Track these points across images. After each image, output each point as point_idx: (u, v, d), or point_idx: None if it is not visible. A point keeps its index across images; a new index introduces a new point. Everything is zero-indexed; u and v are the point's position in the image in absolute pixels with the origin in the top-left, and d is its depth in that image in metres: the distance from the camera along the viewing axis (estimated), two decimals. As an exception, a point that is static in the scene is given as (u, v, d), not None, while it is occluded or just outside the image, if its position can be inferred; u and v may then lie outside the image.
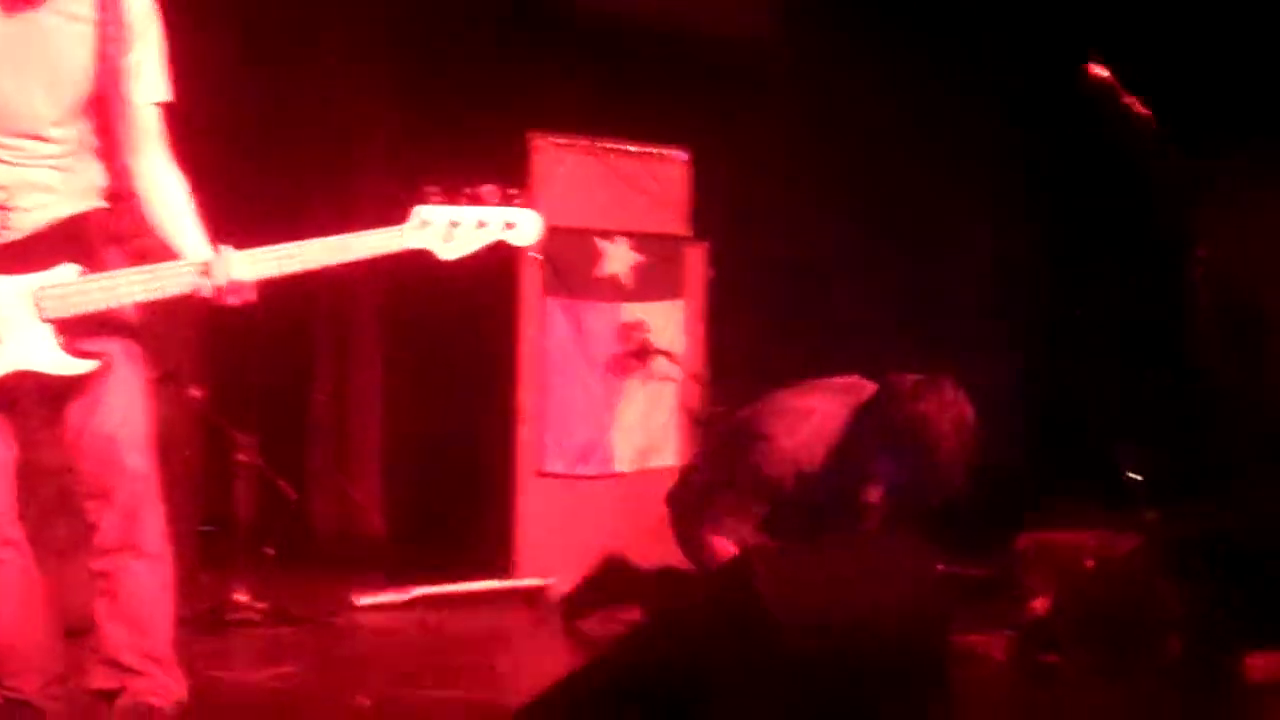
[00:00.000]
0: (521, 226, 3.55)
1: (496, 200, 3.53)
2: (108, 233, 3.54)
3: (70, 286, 3.40)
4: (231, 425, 5.85)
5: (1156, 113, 4.87)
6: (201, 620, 5.31)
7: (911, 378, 4.81)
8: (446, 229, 3.48)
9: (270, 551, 6.33)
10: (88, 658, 3.60)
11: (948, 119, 7.06)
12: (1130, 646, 4.88)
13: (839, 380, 5.08)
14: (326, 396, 7.18)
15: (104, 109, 3.56)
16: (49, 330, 3.40)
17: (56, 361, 3.42)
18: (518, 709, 2.80)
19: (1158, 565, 5.12)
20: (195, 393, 5.27)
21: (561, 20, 7.10)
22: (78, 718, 3.65)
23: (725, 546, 4.74)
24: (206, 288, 3.44)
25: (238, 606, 5.52)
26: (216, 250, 3.46)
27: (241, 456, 5.74)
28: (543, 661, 5.03)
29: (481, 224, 3.51)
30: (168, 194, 3.59)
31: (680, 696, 2.41)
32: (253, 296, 3.47)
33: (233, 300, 3.45)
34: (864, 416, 4.81)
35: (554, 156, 6.56)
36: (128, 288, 3.45)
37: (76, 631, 3.97)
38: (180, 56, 3.60)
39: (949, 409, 4.69)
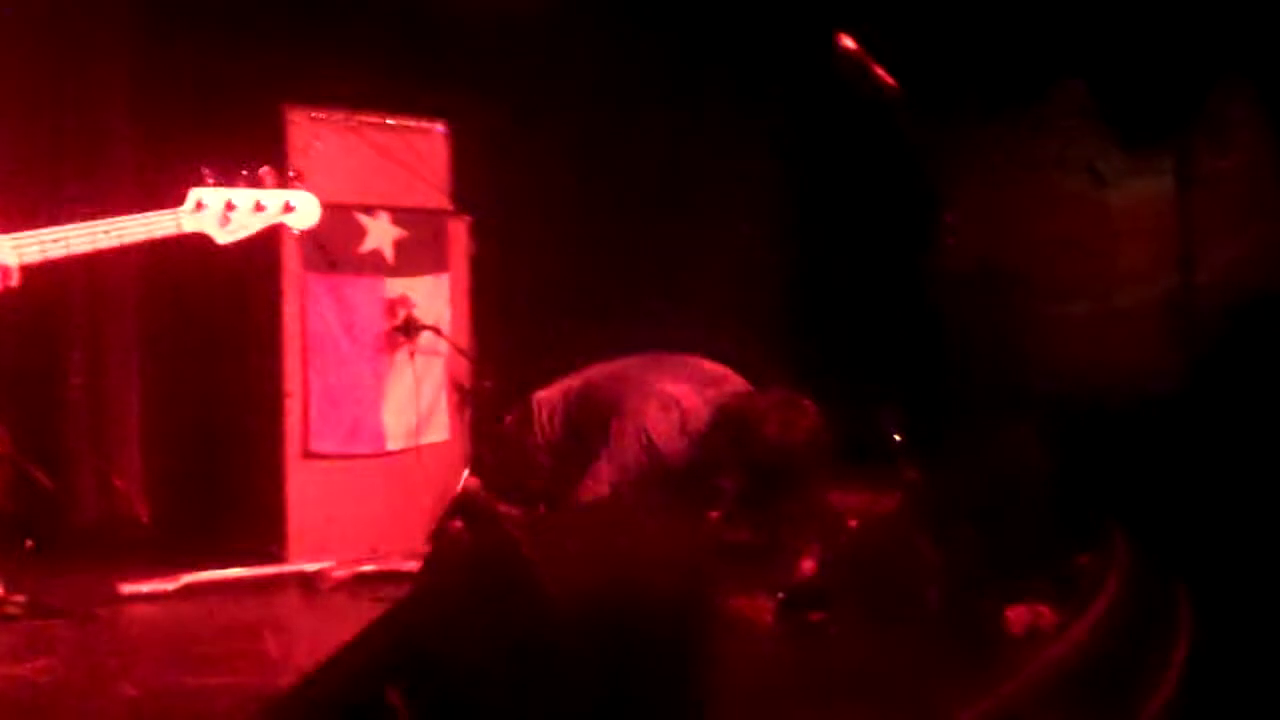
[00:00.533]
0: (301, 209, 3.50)
1: (274, 183, 3.47)
2: None
3: None
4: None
5: (907, 85, 5.02)
6: (-44, 616, 5.17)
7: (771, 401, 4.92)
8: (222, 212, 3.41)
9: (29, 543, 6.16)
10: None
11: (704, 93, 7.18)
12: (893, 602, 5.04)
13: (706, 367, 5.15)
14: (82, 380, 6.96)
15: None
16: None
17: None
18: (280, 694, 2.79)
19: (917, 522, 5.31)
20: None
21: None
22: None
23: None
24: None
25: (-6, 601, 5.38)
26: None
27: (-8, 447, 5.58)
28: (317, 645, 4.98)
29: (260, 207, 3.45)
30: None
31: (445, 671, 2.43)
32: (15, 283, 3.36)
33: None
34: (725, 434, 4.90)
35: (310, 131, 6.50)
36: None
37: None
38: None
39: (810, 438, 4.85)
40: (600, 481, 4.81)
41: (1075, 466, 5.85)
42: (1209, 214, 6.65)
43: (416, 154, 6.80)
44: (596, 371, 5.17)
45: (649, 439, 4.85)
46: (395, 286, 6.68)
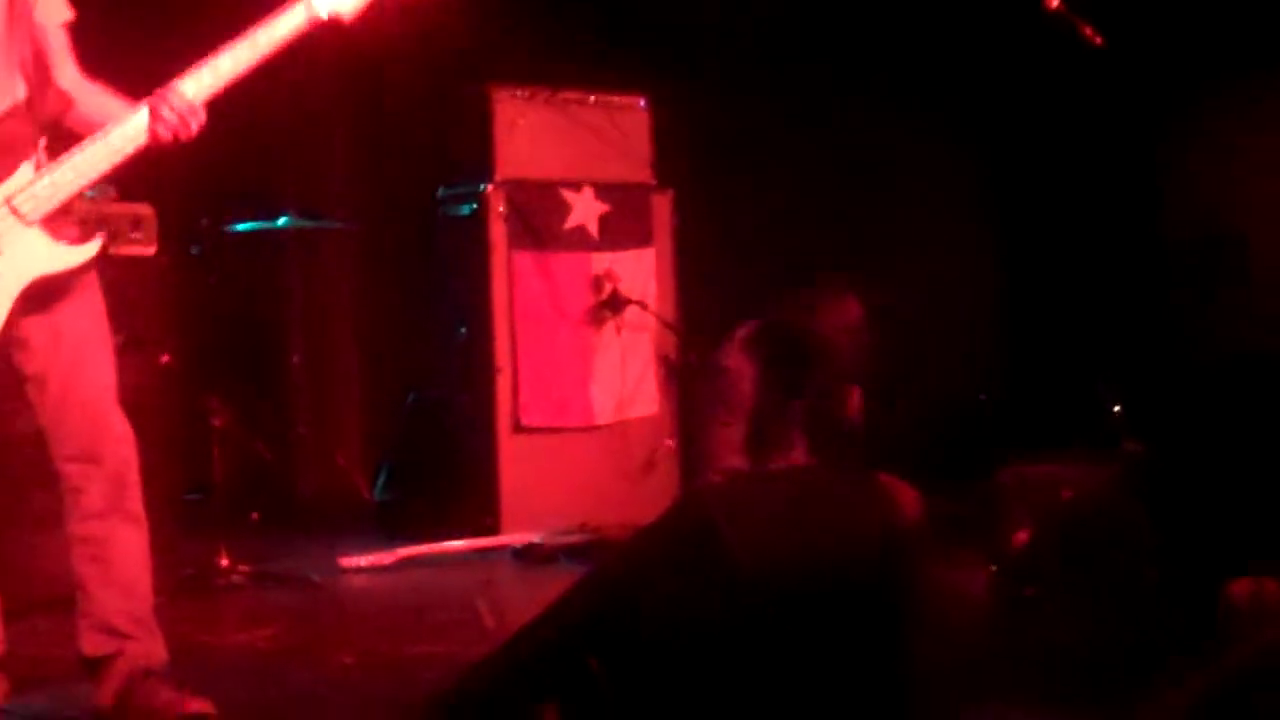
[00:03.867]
0: None
1: None
2: (38, 122, 3.54)
3: (38, 184, 3.40)
4: (205, 391, 5.89)
5: (1126, 45, 4.88)
6: (187, 586, 5.34)
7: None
8: None
9: (254, 516, 6.40)
10: (78, 626, 3.61)
11: (903, 58, 7.06)
12: (1107, 575, 4.93)
13: None
14: (301, 359, 7.18)
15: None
16: (38, 231, 3.40)
17: (62, 257, 3.42)
18: (476, 661, 2.83)
19: (1134, 494, 5.17)
20: (164, 359, 5.28)
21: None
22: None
23: None
24: (164, 125, 3.46)
25: (222, 571, 5.56)
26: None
27: (216, 422, 5.78)
28: (529, 615, 5.05)
29: None
30: (98, 96, 3.62)
31: (637, 639, 2.44)
32: (203, 118, 3.50)
33: (192, 126, 3.47)
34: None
35: (515, 108, 6.57)
36: (91, 162, 3.47)
37: (49, 604, 4.04)
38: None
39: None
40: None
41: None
42: None
43: (619, 129, 6.82)
44: None
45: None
46: (601, 261, 6.70)
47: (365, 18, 3.55)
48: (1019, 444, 5.84)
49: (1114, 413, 5.98)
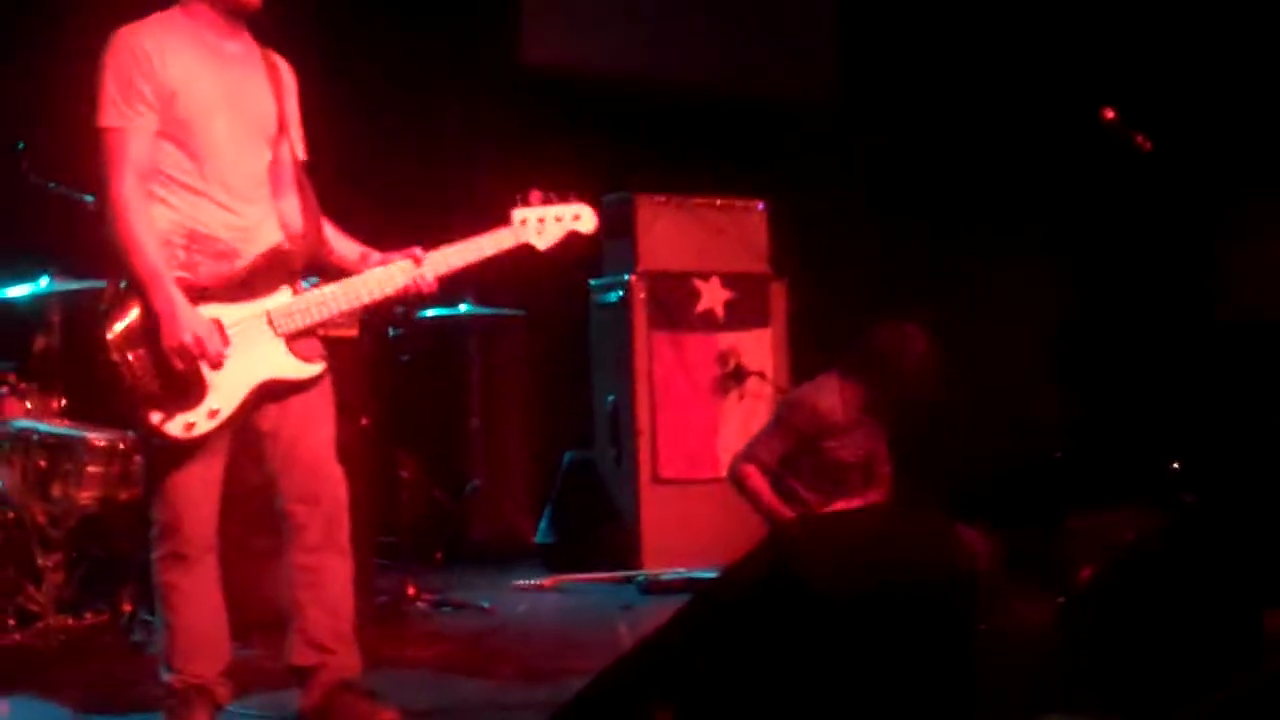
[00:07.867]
0: (584, 217, 3.81)
1: (553, 201, 3.82)
2: (304, 257, 3.66)
3: (293, 306, 3.55)
4: (398, 449, 6.04)
5: (1179, 148, 4.88)
6: (382, 611, 5.47)
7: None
8: (536, 225, 3.75)
9: (437, 555, 6.55)
10: (290, 640, 3.69)
11: (986, 164, 7.08)
12: (1162, 608, 4.86)
13: None
14: (478, 421, 7.36)
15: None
16: (282, 344, 3.54)
17: (295, 368, 3.55)
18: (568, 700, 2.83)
19: (1189, 536, 5.10)
20: (363, 422, 5.45)
21: (650, 100, 7.30)
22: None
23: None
24: (419, 285, 3.65)
25: (409, 599, 5.69)
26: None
27: (405, 475, 5.94)
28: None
29: (558, 218, 3.77)
30: (341, 241, 3.76)
31: (724, 669, 2.43)
32: (435, 288, 3.71)
33: (425, 290, 3.68)
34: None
35: (654, 212, 6.76)
36: (343, 298, 3.59)
37: (265, 625, 4.16)
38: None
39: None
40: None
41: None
42: None
43: (740, 228, 6.97)
44: None
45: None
46: (726, 339, 6.83)
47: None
48: (1088, 495, 5.81)
49: (1172, 469, 5.91)
